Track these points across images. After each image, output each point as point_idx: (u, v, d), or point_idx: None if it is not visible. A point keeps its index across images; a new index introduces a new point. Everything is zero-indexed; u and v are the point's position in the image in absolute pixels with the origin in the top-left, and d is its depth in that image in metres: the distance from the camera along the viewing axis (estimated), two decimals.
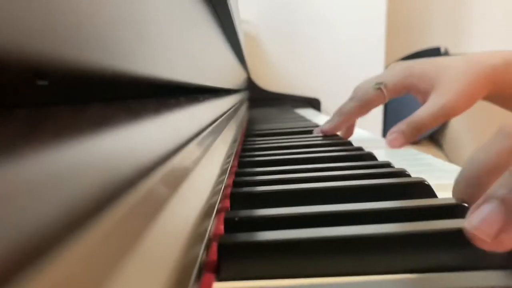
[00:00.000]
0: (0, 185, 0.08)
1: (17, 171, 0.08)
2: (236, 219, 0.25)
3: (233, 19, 0.60)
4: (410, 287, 0.19)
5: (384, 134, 1.51)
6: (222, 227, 0.25)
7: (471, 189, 0.25)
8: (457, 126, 1.56)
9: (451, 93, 0.55)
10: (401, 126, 0.56)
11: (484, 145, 0.26)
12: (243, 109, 1.00)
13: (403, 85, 0.59)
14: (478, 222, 0.20)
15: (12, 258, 0.07)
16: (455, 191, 0.27)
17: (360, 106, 0.60)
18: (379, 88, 0.59)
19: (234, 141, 0.51)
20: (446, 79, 0.56)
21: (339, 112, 0.62)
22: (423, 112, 0.56)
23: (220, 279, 0.21)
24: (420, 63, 0.60)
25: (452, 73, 0.56)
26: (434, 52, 1.76)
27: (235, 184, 0.35)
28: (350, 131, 0.66)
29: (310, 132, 0.67)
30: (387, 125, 1.52)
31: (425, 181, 0.32)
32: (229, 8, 0.52)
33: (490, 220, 0.20)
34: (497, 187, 0.21)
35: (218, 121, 0.41)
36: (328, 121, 0.63)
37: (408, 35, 1.93)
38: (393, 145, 0.56)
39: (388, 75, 0.59)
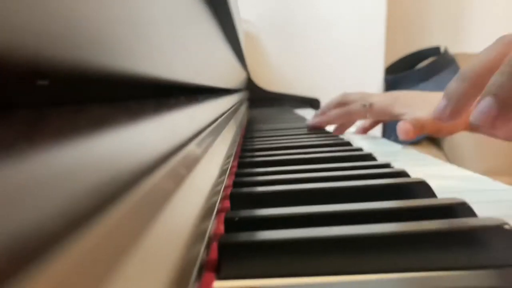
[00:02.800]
0: (1, 184, 0.08)
1: (17, 171, 0.08)
2: (236, 219, 0.25)
3: (233, 18, 0.60)
4: (409, 287, 0.19)
5: (384, 134, 1.51)
6: (222, 226, 0.25)
7: (467, 86, 0.32)
8: None
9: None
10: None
11: (484, 50, 0.33)
12: (243, 109, 1.00)
13: (386, 111, 0.64)
14: (478, 115, 0.28)
15: (12, 258, 0.07)
16: (451, 86, 0.33)
17: (341, 115, 0.67)
18: (365, 106, 0.64)
19: (234, 141, 0.51)
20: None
21: (324, 113, 0.70)
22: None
23: (220, 278, 0.21)
24: (408, 94, 0.65)
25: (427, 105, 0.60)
26: (434, 51, 1.76)
27: (235, 184, 0.35)
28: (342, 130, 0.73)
29: (310, 133, 0.67)
30: (388, 126, 1.52)
31: (425, 181, 0.32)
32: (229, 7, 0.52)
33: (486, 113, 0.28)
34: (491, 85, 0.28)
35: (218, 121, 0.41)
36: (314, 117, 0.70)
37: (407, 35, 1.93)
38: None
39: (378, 99, 0.65)
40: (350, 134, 0.74)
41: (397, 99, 0.63)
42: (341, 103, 0.69)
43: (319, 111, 0.72)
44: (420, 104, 0.61)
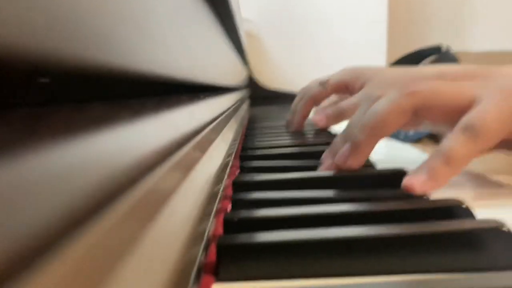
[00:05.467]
0: (1, 184, 0.08)
1: (17, 170, 0.08)
2: (236, 219, 0.25)
3: (234, 17, 0.60)
4: None
5: None
6: (221, 228, 0.25)
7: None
8: None
9: None
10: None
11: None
12: (244, 107, 1.00)
13: (342, 82, 0.63)
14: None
15: (12, 258, 0.07)
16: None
17: (306, 103, 0.66)
18: (323, 84, 0.64)
19: (235, 139, 0.51)
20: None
21: (293, 110, 0.69)
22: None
23: (219, 280, 0.21)
24: (366, 67, 0.62)
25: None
26: (435, 50, 1.75)
27: (235, 184, 0.35)
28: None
29: (309, 132, 0.67)
30: None
31: None
32: (230, 6, 0.52)
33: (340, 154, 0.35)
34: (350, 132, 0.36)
35: (219, 119, 0.41)
36: (290, 122, 0.70)
37: (409, 33, 1.92)
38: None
39: (334, 74, 0.64)
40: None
41: (361, 75, 0.60)
42: (301, 97, 0.69)
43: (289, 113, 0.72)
44: (371, 78, 0.58)
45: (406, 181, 0.30)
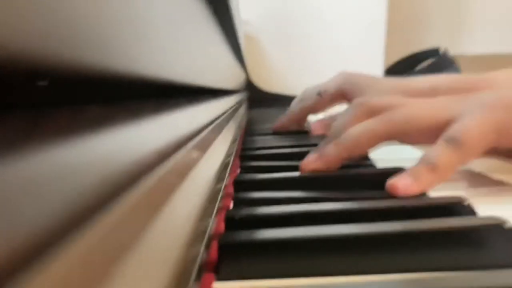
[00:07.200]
0: (0, 184, 0.08)
1: (17, 171, 0.08)
2: (237, 217, 0.25)
3: (233, 21, 0.60)
4: (410, 287, 0.19)
5: None
6: (222, 225, 0.25)
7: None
8: None
9: None
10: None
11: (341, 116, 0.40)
12: (242, 110, 1.00)
13: (339, 92, 0.63)
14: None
15: (12, 258, 0.07)
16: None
17: (302, 110, 0.68)
18: (320, 94, 0.64)
19: (234, 141, 0.51)
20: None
21: (288, 113, 0.70)
22: None
23: (220, 278, 0.21)
24: (362, 76, 0.63)
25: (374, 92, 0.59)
26: (434, 52, 1.76)
27: (236, 183, 0.35)
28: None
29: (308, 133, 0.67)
30: None
31: None
32: (230, 10, 0.52)
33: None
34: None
35: (217, 121, 0.41)
36: (279, 119, 0.71)
37: (407, 36, 1.93)
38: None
39: (330, 84, 0.64)
40: None
41: (357, 84, 0.62)
42: (301, 99, 0.69)
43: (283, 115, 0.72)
44: (366, 88, 0.60)
45: (390, 182, 0.31)
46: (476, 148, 0.33)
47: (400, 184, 0.31)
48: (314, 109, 0.67)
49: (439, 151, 0.32)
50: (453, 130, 0.33)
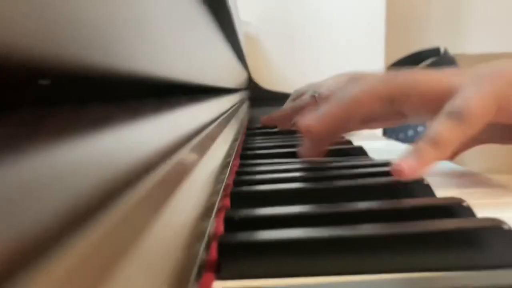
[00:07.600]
0: (1, 184, 0.08)
1: (17, 171, 0.08)
2: (236, 218, 0.25)
3: (233, 20, 0.60)
4: (409, 287, 0.19)
5: (384, 133, 1.50)
6: (222, 226, 0.25)
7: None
8: None
9: None
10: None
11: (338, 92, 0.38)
12: (244, 108, 1.00)
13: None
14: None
15: (12, 258, 0.07)
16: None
17: (292, 109, 0.66)
18: (314, 96, 0.62)
19: (235, 139, 0.51)
20: None
21: (281, 110, 0.69)
22: None
23: (220, 278, 0.21)
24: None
25: None
26: (434, 52, 1.75)
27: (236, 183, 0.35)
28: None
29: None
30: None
31: (424, 180, 0.32)
32: (229, 10, 0.52)
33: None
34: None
35: (219, 120, 0.41)
36: (270, 115, 0.70)
37: (407, 36, 1.92)
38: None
39: (325, 86, 0.63)
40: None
41: (340, 84, 0.62)
42: (294, 99, 0.69)
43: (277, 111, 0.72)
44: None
45: (395, 166, 0.30)
46: (478, 121, 0.32)
47: (405, 166, 0.30)
48: (305, 110, 0.67)
49: (441, 125, 0.32)
50: (455, 103, 0.32)
